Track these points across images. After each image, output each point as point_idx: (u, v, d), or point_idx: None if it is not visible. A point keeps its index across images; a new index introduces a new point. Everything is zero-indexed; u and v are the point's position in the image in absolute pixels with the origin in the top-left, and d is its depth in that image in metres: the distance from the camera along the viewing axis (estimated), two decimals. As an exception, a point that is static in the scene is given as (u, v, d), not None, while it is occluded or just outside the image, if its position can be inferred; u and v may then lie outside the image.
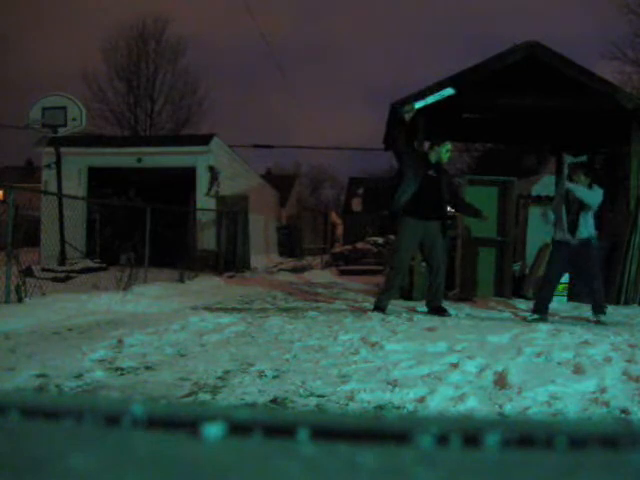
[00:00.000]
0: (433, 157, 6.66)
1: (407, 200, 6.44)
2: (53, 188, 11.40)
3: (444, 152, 6.65)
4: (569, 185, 6.38)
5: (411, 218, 6.46)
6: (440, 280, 6.63)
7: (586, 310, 7.11)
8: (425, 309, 6.65)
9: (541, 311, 6.28)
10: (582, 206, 6.22)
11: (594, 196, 6.23)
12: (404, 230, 6.53)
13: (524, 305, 7.47)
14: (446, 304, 6.71)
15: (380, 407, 2.87)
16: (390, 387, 3.17)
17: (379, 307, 6.48)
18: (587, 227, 6.22)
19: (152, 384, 3.28)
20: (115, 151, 14.63)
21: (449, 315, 6.35)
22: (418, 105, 6.66)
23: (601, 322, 6.04)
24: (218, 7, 70.01)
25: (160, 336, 4.77)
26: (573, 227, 6.25)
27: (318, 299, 8.13)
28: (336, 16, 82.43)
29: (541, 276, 8.43)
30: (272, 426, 0.41)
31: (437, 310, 6.45)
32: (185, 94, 29.93)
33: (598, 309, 6.22)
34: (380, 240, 17.59)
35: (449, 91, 6.95)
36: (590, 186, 6.30)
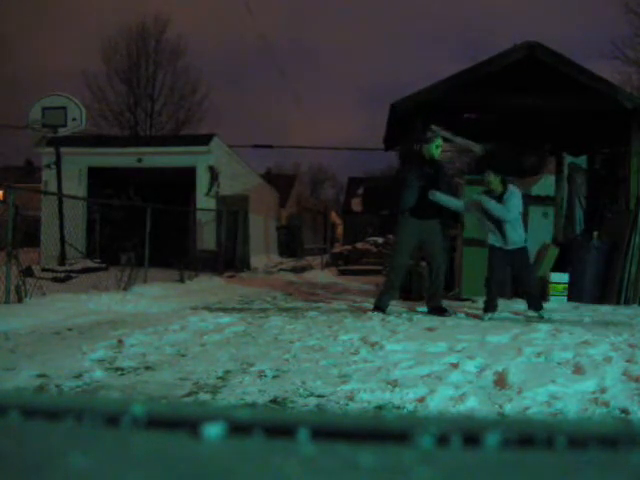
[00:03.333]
0: (426, 155, 6.60)
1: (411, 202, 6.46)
2: (53, 188, 11.40)
3: (434, 148, 6.56)
4: (479, 197, 6.26)
5: (410, 218, 6.45)
6: (440, 280, 6.61)
7: (586, 310, 7.12)
8: (425, 309, 6.63)
9: (490, 309, 6.29)
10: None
11: (508, 208, 6.07)
12: (403, 230, 6.53)
13: (524, 305, 7.45)
14: (446, 304, 6.71)
15: (380, 407, 2.87)
16: (390, 387, 3.17)
17: (379, 307, 6.46)
18: (516, 233, 6.16)
19: (152, 384, 3.28)
20: (115, 151, 14.64)
21: (449, 315, 6.34)
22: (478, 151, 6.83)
23: (543, 318, 6.07)
24: (217, 7, 70.00)
25: (160, 336, 4.77)
26: (502, 235, 6.19)
27: (318, 299, 8.13)
28: (334, 16, 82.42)
29: (541, 276, 8.44)
30: (272, 426, 0.41)
31: (437, 310, 6.43)
32: (185, 94, 29.88)
33: (535, 305, 6.25)
34: (380, 240, 17.60)
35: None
36: (504, 185, 6.14)
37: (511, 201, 6.11)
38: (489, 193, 6.28)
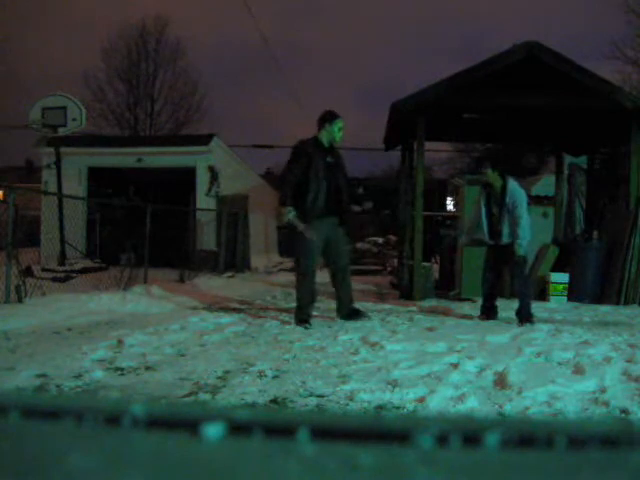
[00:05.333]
0: (325, 139, 5.68)
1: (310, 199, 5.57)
2: (53, 188, 11.40)
3: (337, 131, 5.66)
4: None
5: (312, 217, 5.57)
6: (349, 281, 5.93)
7: (586, 310, 7.12)
8: (341, 318, 5.83)
9: (484, 314, 6.17)
10: (502, 211, 5.90)
11: (519, 214, 5.77)
12: (313, 228, 5.59)
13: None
14: (446, 304, 6.70)
15: (380, 407, 2.87)
16: (390, 387, 3.17)
17: (303, 320, 5.54)
18: (511, 232, 5.87)
19: (152, 384, 3.28)
20: (115, 151, 14.64)
21: (367, 318, 5.79)
22: None
23: (529, 324, 5.72)
24: (217, 7, 70.01)
25: (160, 336, 4.78)
26: (496, 232, 5.99)
27: (318, 299, 8.11)
28: (333, 16, 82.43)
29: (541, 276, 8.44)
30: (272, 426, 0.41)
31: (355, 313, 5.82)
32: (185, 94, 29.93)
33: (522, 315, 5.88)
34: (380, 240, 17.61)
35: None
36: (503, 178, 5.89)
37: (519, 200, 5.84)
38: (488, 187, 6.08)
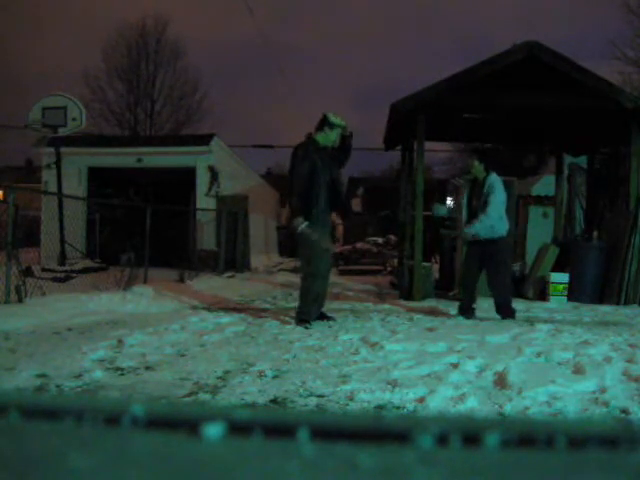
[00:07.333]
0: (322, 140, 5.70)
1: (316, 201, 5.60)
2: (53, 188, 11.41)
3: (334, 136, 5.73)
4: (464, 233, 6.05)
5: (321, 215, 5.62)
6: (327, 284, 5.95)
7: (586, 310, 7.12)
8: (317, 321, 5.70)
9: (463, 311, 6.17)
10: (481, 205, 5.93)
11: (489, 211, 5.82)
12: (317, 232, 5.58)
13: (523, 305, 7.45)
14: (446, 304, 6.70)
15: (380, 407, 2.87)
16: (390, 387, 3.17)
17: (303, 319, 5.52)
18: (485, 227, 5.87)
19: (152, 384, 3.28)
20: (115, 151, 14.65)
21: (334, 320, 5.77)
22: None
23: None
24: (217, 7, 70.00)
25: (160, 336, 4.78)
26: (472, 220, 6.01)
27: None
28: (327, 16, 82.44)
29: (541, 276, 8.44)
30: (272, 426, 0.41)
31: (324, 316, 5.80)
32: (185, 94, 29.93)
33: (503, 311, 5.92)
34: (380, 240, 17.62)
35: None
36: (487, 171, 5.98)
37: (494, 190, 5.87)
38: (473, 180, 6.18)
